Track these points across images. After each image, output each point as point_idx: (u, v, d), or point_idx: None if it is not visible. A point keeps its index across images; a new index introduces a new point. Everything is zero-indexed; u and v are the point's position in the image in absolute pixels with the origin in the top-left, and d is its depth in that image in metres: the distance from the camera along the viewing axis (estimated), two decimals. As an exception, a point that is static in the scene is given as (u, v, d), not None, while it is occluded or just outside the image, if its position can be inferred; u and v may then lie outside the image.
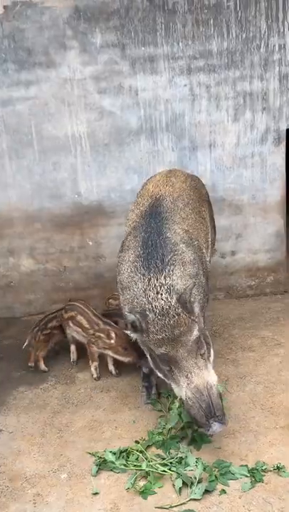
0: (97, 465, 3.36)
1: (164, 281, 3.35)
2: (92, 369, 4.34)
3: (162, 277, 3.37)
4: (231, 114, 5.16)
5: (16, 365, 4.68)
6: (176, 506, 3.02)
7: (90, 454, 3.48)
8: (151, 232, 3.63)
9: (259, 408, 3.81)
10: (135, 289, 3.46)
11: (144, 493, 3.12)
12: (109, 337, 4.20)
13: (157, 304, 3.28)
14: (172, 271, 3.41)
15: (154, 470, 3.25)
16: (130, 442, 3.52)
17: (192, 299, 3.32)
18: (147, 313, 3.29)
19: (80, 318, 4.42)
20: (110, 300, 4.91)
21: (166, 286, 3.33)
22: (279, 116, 5.18)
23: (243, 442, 3.48)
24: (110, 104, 5.09)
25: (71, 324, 4.49)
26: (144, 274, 3.43)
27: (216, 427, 3.18)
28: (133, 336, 3.43)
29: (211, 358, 3.45)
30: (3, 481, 3.34)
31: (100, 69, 5.00)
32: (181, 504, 3.03)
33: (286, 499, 3.00)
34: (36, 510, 3.09)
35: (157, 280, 3.37)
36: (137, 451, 3.41)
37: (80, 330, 4.41)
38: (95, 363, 4.34)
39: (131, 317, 3.34)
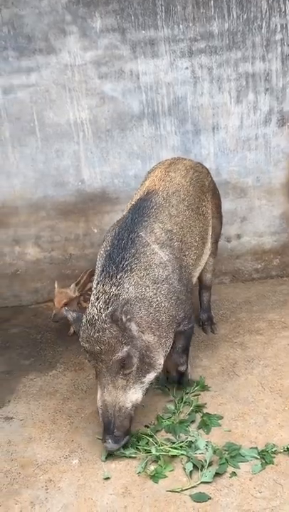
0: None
1: (108, 290, 3.23)
2: None
3: (109, 285, 3.24)
4: (234, 96, 5.12)
5: (25, 353, 4.71)
6: (187, 489, 3.03)
7: (100, 439, 3.50)
8: (124, 229, 3.51)
9: (268, 391, 3.82)
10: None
11: (155, 477, 3.14)
12: None
13: (91, 310, 3.18)
14: (124, 278, 3.28)
15: (165, 454, 3.27)
16: (140, 427, 3.54)
17: (128, 317, 3.15)
18: (83, 316, 3.23)
19: None
20: None
21: (107, 295, 3.20)
22: (282, 97, 5.13)
23: (252, 424, 3.49)
24: (112, 89, 5.06)
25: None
26: (98, 275, 3.37)
27: (109, 444, 3.23)
28: None
29: (146, 380, 3.32)
30: (15, 468, 3.36)
31: (100, 54, 4.96)
32: (192, 487, 3.04)
33: (296, 480, 3.02)
34: (48, 496, 3.12)
35: (103, 286, 3.26)
36: (147, 435, 3.43)
37: None
38: None
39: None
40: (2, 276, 5.60)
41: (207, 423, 3.49)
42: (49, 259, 5.56)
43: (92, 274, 4.82)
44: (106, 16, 4.86)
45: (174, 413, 3.59)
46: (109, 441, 3.23)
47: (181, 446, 3.31)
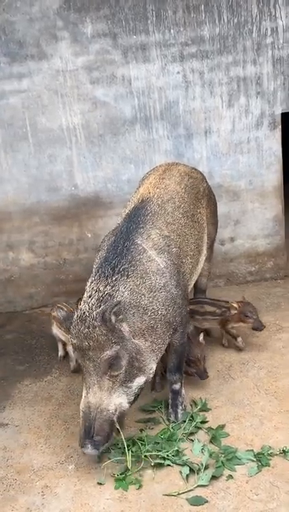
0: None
1: (102, 288, 3.21)
2: None
3: (103, 284, 3.23)
4: (225, 99, 5.14)
5: (19, 358, 4.70)
6: (183, 493, 3.03)
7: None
8: (120, 238, 3.49)
9: (263, 393, 3.83)
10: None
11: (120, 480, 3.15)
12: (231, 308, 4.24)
13: (83, 307, 3.18)
14: (120, 281, 3.25)
15: (153, 460, 3.25)
16: (135, 431, 3.53)
17: (119, 318, 3.14)
18: (74, 312, 3.24)
19: None
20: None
21: (100, 294, 3.19)
22: (273, 100, 5.16)
23: (248, 427, 3.49)
24: (104, 94, 5.07)
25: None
26: (92, 275, 3.35)
27: (87, 449, 3.15)
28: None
29: (134, 384, 3.28)
30: (11, 474, 3.35)
31: (92, 59, 4.98)
32: (189, 491, 3.04)
33: (293, 482, 3.02)
34: (45, 501, 3.11)
35: (97, 285, 3.25)
36: (140, 440, 3.41)
37: None
38: None
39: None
40: (-4, 282, 5.60)
41: (216, 436, 3.41)
42: (43, 264, 5.55)
43: None
44: (97, 22, 4.88)
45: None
46: (88, 446, 3.15)
47: (167, 455, 3.28)
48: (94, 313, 3.11)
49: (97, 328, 3.09)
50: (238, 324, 4.27)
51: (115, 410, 3.21)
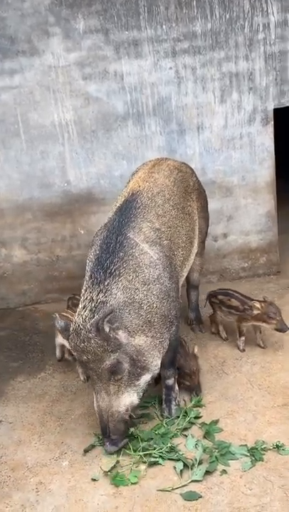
0: (94, 445, 3.44)
1: (94, 297, 3.23)
2: None
3: (96, 292, 3.24)
4: (218, 95, 5.13)
5: (13, 355, 4.70)
6: (177, 488, 3.04)
7: (93, 434, 3.54)
8: (112, 232, 3.49)
9: (256, 388, 3.84)
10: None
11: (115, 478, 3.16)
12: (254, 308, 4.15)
13: (77, 319, 3.20)
14: (112, 284, 3.26)
15: (147, 458, 3.27)
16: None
17: (114, 326, 3.16)
18: (71, 324, 3.28)
19: None
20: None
21: (93, 303, 3.20)
22: (266, 96, 5.16)
23: (241, 422, 3.51)
24: (96, 89, 5.05)
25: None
26: (86, 280, 3.38)
27: (107, 447, 3.30)
28: None
29: (141, 382, 3.34)
30: (5, 471, 3.35)
31: (84, 55, 4.96)
32: (183, 486, 3.05)
33: (287, 477, 3.03)
34: (39, 498, 3.11)
35: (90, 293, 3.26)
36: (134, 436, 3.42)
37: None
38: None
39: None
40: (-11, 279, 5.58)
41: (209, 431, 3.42)
42: (36, 261, 5.54)
43: None
44: (89, 17, 4.86)
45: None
46: (107, 444, 3.28)
47: (161, 453, 3.29)
48: (88, 325, 3.13)
49: (93, 341, 3.11)
50: (260, 324, 4.18)
51: (127, 410, 3.29)
